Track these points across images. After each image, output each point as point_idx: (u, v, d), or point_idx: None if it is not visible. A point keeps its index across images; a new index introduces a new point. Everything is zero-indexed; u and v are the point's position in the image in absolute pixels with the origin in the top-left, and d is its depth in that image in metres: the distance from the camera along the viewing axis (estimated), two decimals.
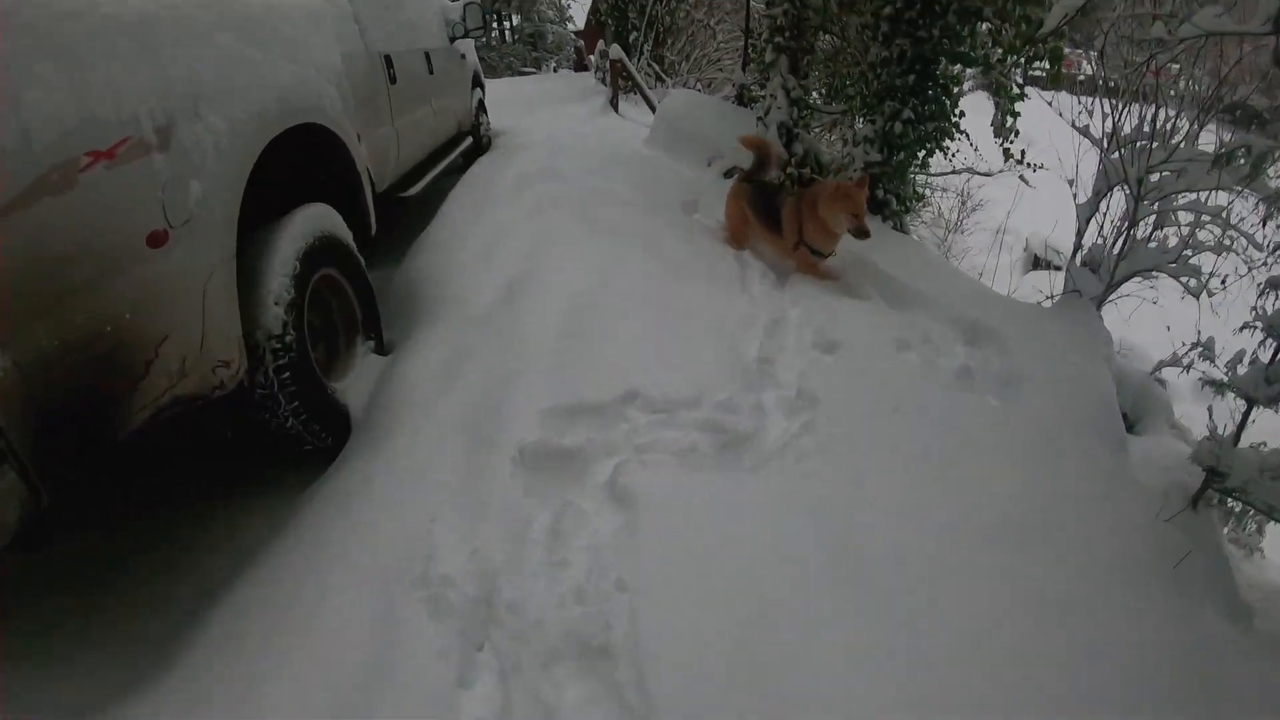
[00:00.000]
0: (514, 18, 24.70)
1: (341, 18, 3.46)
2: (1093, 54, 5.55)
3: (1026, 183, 6.33)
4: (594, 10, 18.18)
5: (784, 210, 4.08)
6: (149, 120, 1.79)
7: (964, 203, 14.32)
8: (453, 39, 5.88)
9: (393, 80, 4.08)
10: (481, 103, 7.17)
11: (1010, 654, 1.92)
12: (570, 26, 24.92)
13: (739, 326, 3.25)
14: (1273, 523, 3.40)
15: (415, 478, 2.22)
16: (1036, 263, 15.05)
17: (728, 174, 6.20)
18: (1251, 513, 3.53)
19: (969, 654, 1.88)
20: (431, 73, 5.06)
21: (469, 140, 6.28)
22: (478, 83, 7.05)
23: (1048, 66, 4.92)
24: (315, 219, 2.60)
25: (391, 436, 2.42)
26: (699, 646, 1.75)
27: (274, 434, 2.37)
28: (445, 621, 1.79)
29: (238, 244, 2.12)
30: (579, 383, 2.62)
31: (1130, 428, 4.79)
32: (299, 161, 2.78)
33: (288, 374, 2.28)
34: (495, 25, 24.21)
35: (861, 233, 3.87)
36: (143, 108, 1.77)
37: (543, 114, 9.73)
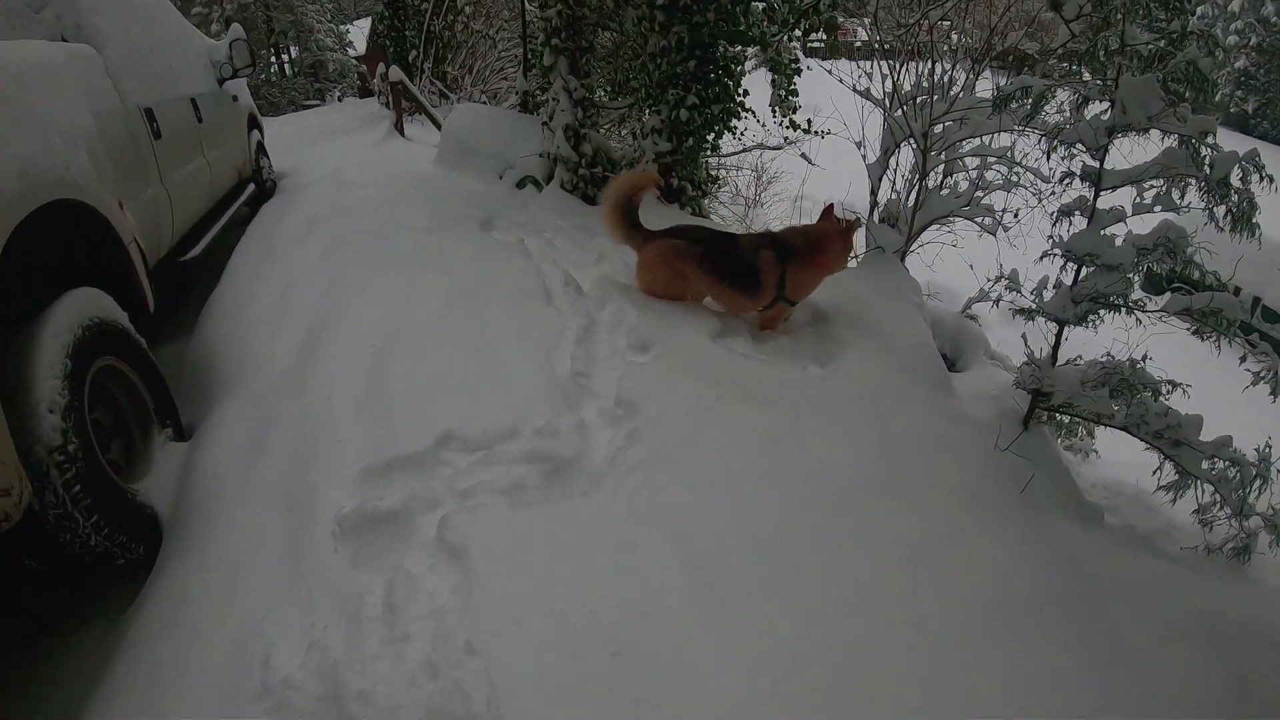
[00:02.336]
0: (291, 50, 23.60)
1: (91, 72, 3.17)
2: (866, 21, 5.92)
3: (809, 161, 6.65)
4: (373, 33, 17.66)
5: (761, 264, 3.57)
6: None
7: (759, 177, 14.93)
8: (221, 81, 5.54)
9: (157, 135, 3.79)
10: (261, 145, 6.81)
11: (886, 614, 1.99)
12: (351, 52, 24.08)
13: (549, 341, 3.19)
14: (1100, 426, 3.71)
15: (236, 574, 2.07)
16: None
17: (520, 184, 6.18)
18: (1079, 421, 3.86)
19: (846, 626, 1.94)
20: (201, 121, 4.74)
21: (251, 187, 5.96)
22: (254, 124, 6.69)
23: (824, 37, 5.14)
24: (81, 306, 2.35)
25: (205, 533, 2.24)
26: (568, 694, 1.71)
27: (79, 555, 2.12)
28: None
29: None
30: (391, 434, 2.51)
31: (952, 366, 5.14)
32: (55, 244, 2.53)
33: (79, 487, 2.04)
34: (272, 60, 23.06)
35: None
36: None
37: (327, 148, 9.37)
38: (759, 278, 3.57)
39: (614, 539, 2.16)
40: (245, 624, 1.92)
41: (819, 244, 3.63)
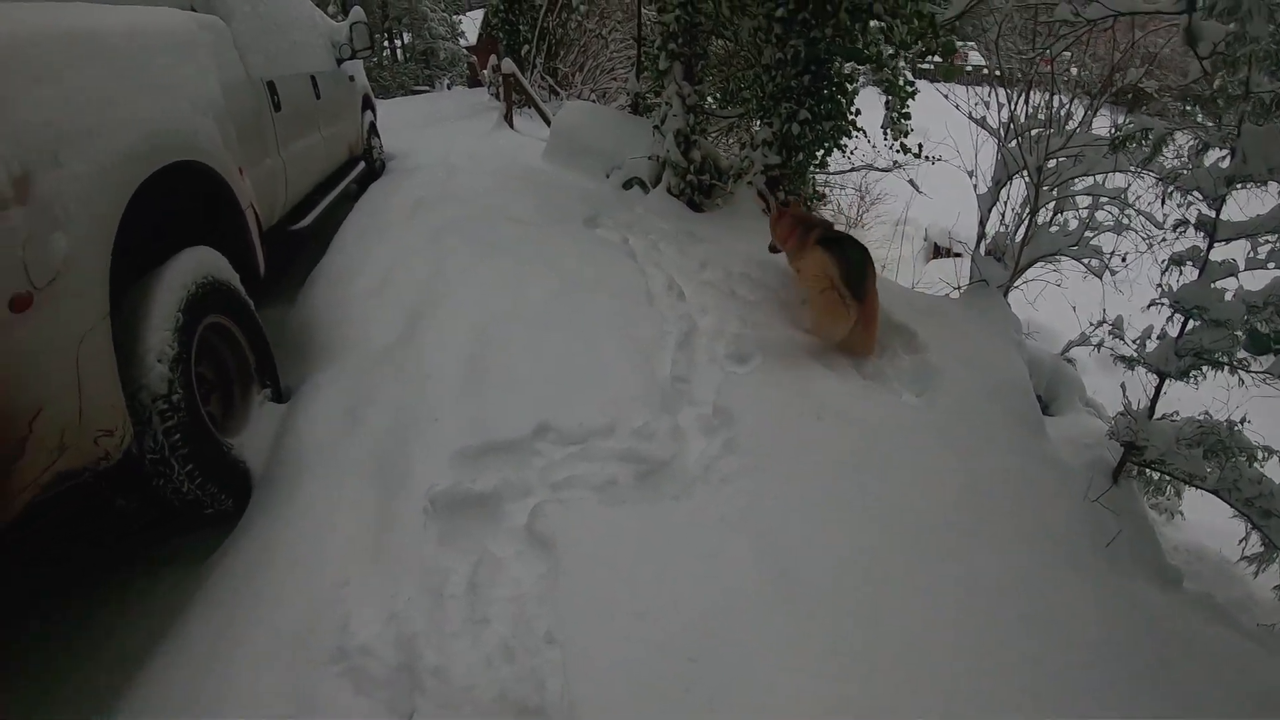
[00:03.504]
0: (405, 36, 24.30)
1: (219, 44, 3.27)
2: (982, 46, 5.73)
3: (916, 188, 6.47)
4: (485, 25, 17.97)
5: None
6: (2, 171, 1.62)
7: (863, 197, 14.70)
8: (340, 61, 5.69)
9: (277, 108, 3.90)
10: (373, 125, 6.97)
11: (965, 652, 1.94)
12: (462, 42, 24.63)
13: (650, 343, 3.18)
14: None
15: (322, 537, 2.09)
16: (937, 251, 15.60)
17: (626, 185, 6.15)
18: (1169, 479, 3.65)
19: (919, 660, 1.90)
20: (319, 97, 4.87)
21: (361, 165, 6.09)
22: (368, 105, 6.85)
23: (939, 60, 5.01)
24: (197, 264, 2.43)
25: (294, 493, 2.28)
26: (641, 695, 1.69)
27: (170, 500, 2.19)
28: (369, 694, 1.69)
29: (112, 299, 1.95)
30: (488, 419, 2.52)
31: (1046, 409, 4.95)
32: (176, 203, 2.60)
33: (178, 435, 2.10)
34: (386, 44, 23.76)
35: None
36: None
37: (437, 133, 9.56)
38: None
39: (702, 545, 2.13)
40: (326, 587, 1.94)
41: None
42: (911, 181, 6.47)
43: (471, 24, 25.07)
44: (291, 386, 2.99)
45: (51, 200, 1.76)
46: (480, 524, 2.14)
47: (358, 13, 5.90)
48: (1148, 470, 3.58)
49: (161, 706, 1.75)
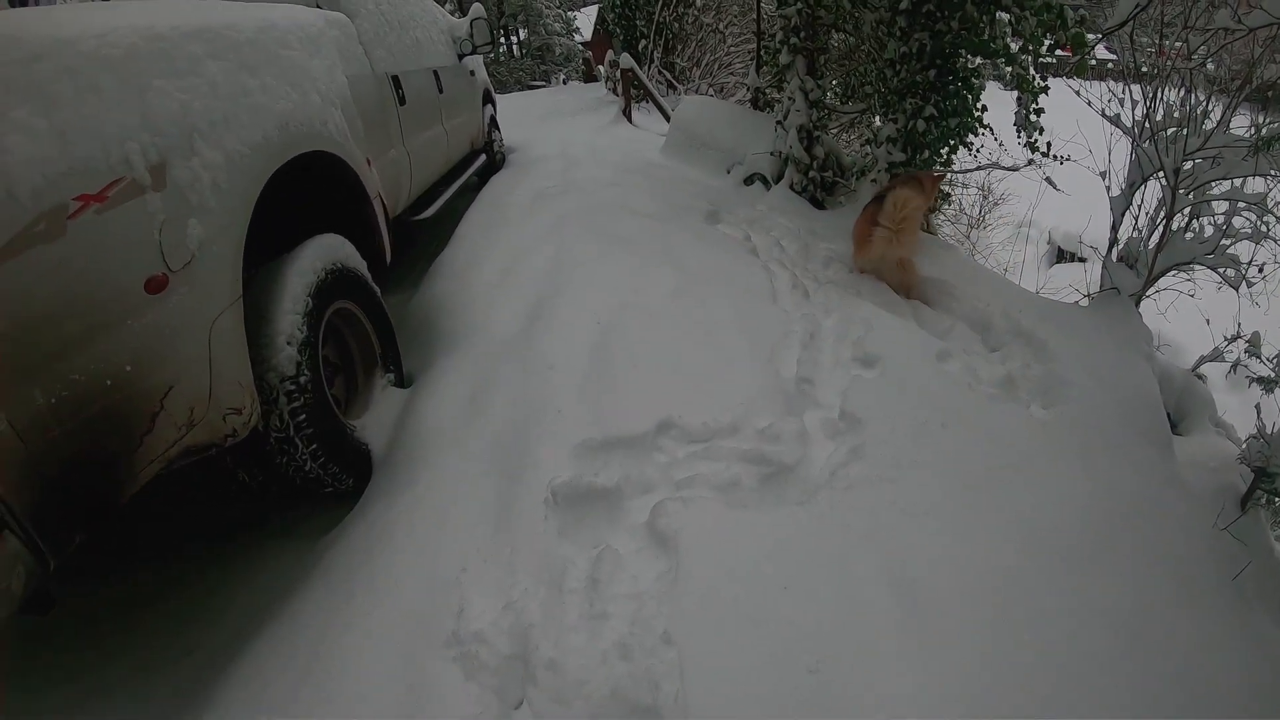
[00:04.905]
0: (521, 32, 24.79)
1: (346, 39, 3.35)
2: (1114, 40, 5.37)
3: (1054, 186, 6.13)
4: (601, 20, 18.15)
5: None
6: (140, 159, 1.68)
7: (986, 197, 14.09)
8: (461, 56, 5.79)
9: (402, 101, 3.98)
10: (493, 119, 7.08)
11: (1095, 688, 1.81)
12: (577, 38, 24.96)
13: (773, 342, 3.07)
14: None
15: (441, 522, 2.10)
16: (1061, 255, 14.84)
17: (747, 181, 6.03)
18: None
19: (1053, 691, 1.77)
20: (441, 91, 4.96)
21: (482, 158, 6.19)
22: (489, 99, 6.96)
23: (1065, 54, 4.74)
24: (326, 251, 2.49)
25: (415, 477, 2.30)
26: (755, 705, 1.61)
27: (292, 478, 2.26)
28: (479, 680, 1.68)
29: (244, 283, 2.01)
30: (610, 413, 2.47)
31: (1174, 427, 4.62)
32: (307, 192, 2.67)
33: (303, 416, 2.16)
34: (502, 41, 24.28)
35: None
36: (133, 146, 1.66)
37: (555, 127, 9.64)
38: None
39: (825, 555, 2.03)
40: (444, 571, 1.94)
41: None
42: (1049, 179, 6.09)
43: (586, 20, 25.41)
44: (414, 372, 3.04)
45: (187, 187, 1.82)
46: (601, 518, 2.11)
47: (478, 9, 5.99)
48: (1277, 499, 3.29)
49: (274, 678, 1.79)
